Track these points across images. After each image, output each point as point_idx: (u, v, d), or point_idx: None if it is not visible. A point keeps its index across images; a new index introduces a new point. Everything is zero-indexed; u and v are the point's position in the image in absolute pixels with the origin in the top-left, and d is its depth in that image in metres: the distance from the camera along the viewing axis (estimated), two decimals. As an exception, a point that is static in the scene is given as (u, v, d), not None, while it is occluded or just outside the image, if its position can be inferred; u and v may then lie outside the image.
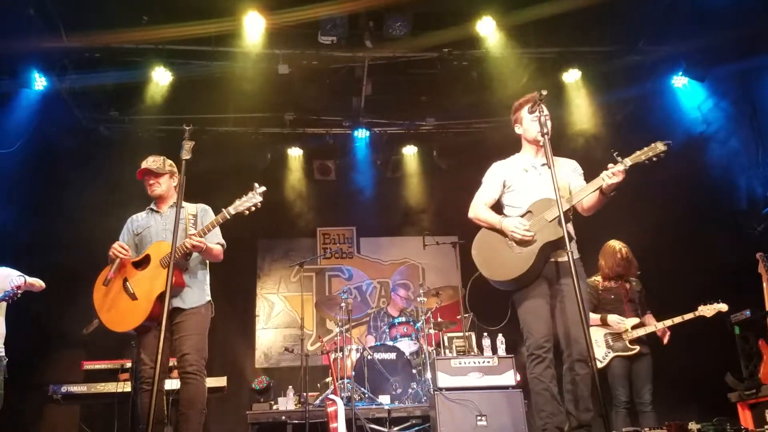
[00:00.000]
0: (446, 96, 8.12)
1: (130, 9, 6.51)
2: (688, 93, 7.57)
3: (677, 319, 5.22)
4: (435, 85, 8.01)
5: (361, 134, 8.69)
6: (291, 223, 9.08)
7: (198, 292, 4.17)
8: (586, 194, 3.69)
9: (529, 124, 3.87)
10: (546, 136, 3.59)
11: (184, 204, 4.24)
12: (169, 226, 4.09)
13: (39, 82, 6.90)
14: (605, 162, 3.62)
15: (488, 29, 6.86)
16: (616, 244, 5.53)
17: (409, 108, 8.55)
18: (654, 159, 3.53)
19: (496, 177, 4.02)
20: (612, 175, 3.52)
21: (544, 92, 3.61)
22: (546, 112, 3.73)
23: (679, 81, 7.58)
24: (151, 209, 4.34)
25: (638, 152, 3.56)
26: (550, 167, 3.49)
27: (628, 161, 3.55)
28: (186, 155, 3.59)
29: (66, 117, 7.59)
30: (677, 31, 6.95)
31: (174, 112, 7.69)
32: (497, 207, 4.03)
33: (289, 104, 8.11)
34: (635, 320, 5.33)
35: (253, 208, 3.93)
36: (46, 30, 6.40)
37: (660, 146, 3.52)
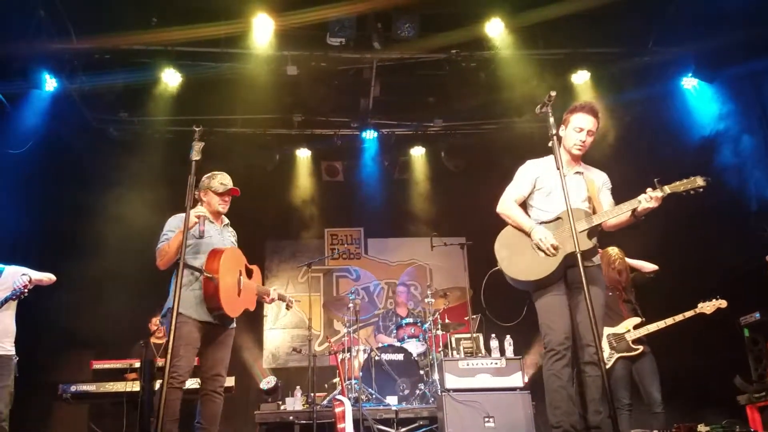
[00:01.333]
0: (454, 97, 8.13)
1: (140, 11, 6.55)
2: (698, 94, 7.55)
3: (678, 317, 5.16)
4: (443, 86, 8.00)
5: (369, 135, 8.72)
6: (299, 224, 9.10)
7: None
8: (618, 213, 3.69)
9: (570, 132, 3.82)
10: (554, 137, 3.58)
11: (228, 223, 4.45)
12: (226, 244, 4.27)
13: (49, 83, 6.95)
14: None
15: (496, 30, 6.86)
16: (612, 254, 5.44)
17: (417, 109, 8.55)
18: (691, 192, 3.57)
19: (529, 175, 3.98)
20: (650, 198, 3.55)
21: (553, 93, 3.59)
22: (592, 125, 3.77)
23: (689, 82, 7.56)
24: (206, 217, 4.18)
25: (677, 182, 3.60)
26: (558, 168, 3.46)
27: (668, 189, 3.58)
28: (196, 156, 3.58)
29: (76, 118, 7.64)
30: (687, 32, 6.93)
31: (183, 114, 7.71)
32: (522, 205, 3.98)
33: (297, 105, 8.14)
34: (637, 320, 5.26)
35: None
36: (56, 32, 6.46)
37: (699, 181, 3.57)
